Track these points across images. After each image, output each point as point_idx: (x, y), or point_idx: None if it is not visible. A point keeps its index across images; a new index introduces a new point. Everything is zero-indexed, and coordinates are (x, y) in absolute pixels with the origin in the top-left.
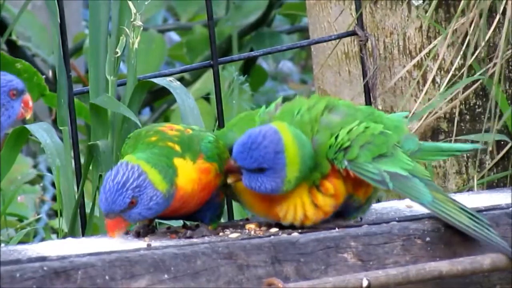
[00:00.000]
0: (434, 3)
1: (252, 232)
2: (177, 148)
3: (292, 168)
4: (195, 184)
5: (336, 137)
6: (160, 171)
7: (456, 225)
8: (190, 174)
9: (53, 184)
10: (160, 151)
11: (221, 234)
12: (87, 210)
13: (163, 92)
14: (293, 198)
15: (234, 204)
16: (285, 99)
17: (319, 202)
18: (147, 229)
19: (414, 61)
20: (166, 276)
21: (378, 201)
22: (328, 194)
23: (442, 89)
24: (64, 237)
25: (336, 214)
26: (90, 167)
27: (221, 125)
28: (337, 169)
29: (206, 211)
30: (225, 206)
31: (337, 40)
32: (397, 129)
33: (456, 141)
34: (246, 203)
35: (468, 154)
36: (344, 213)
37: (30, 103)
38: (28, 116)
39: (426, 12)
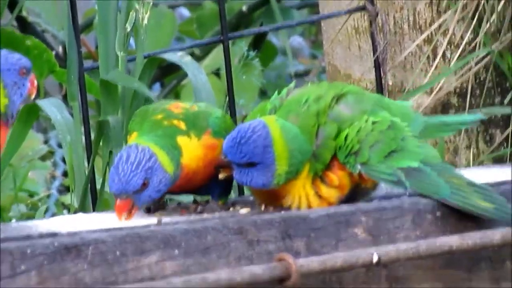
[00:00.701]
0: None
1: (263, 208)
2: (182, 125)
3: (281, 162)
4: (199, 161)
5: (346, 138)
6: (167, 153)
7: (475, 213)
8: (195, 151)
9: (63, 160)
10: (164, 132)
11: (231, 209)
12: (98, 186)
13: (173, 68)
14: (297, 190)
15: None
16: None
17: (323, 194)
18: (158, 205)
19: (424, 35)
20: (176, 251)
21: None
22: (332, 185)
23: (452, 63)
24: (75, 212)
25: (343, 202)
26: (101, 143)
27: (231, 100)
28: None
29: (214, 186)
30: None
31: (347, 15)
32: (404, 115)
33: None
34: (253, 192)
35: (478, 129)
36: (352, 200)
37: (35, 82)
38: (33, 97)
39: None
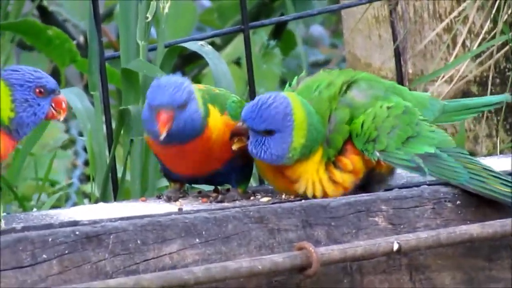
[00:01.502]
0: None
1: (283, 196)
2: (207, 97)
3: (299, 133)
4: (220, 132)
5: (362, 125)
6: (201, 97)
7: (494, 197)
8: (218, 122)
9: (85, 149)
10: (199, 93)
11: (252, 198)
12: (119, 175)
13: (194, 57)
14: (310, 174)
15: None
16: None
17: (337, 179)
18: (179, 194)
19: (444, 24)
20: (197, 240)
21: None
22: (346, 170)
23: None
24: (96, 201)
25: (359, 187)
26: (122, 132)
27: (252, 89)
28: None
29: (233, 172)
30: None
31: (368, 4)
32: (419, 101)
33: None
34: (268, 179)
35: (498, 118)
36: (367, 186)
37: (63, 105)
38: (61, 118)
39: None
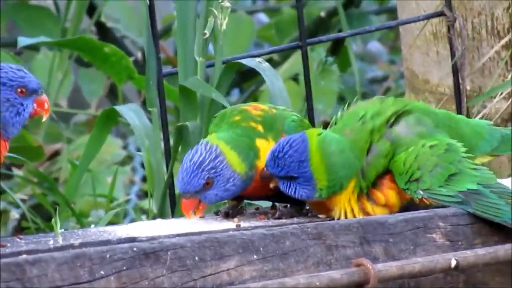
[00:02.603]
0: None
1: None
2: (260, 128)
3: (320, 176)
4: None
5: (404, 163)
6: (239, 153)
7: None
8: None
9: (142, 165)
10: (243, 132)
11: (309, 214)
12: (176, 191)
13: (252, 73)
14: (342, 203)
15: None
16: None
17: (368, 211)
18: (236, 210)
19: (503, 41)
20: (255, 256)
21: None
22: (379, 204)
23: None
24: (154, 218)
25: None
26: (179, 148)
27: (309, 106)
28: (393, 182)
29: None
30: None
31: (425, 21)
32: (476, 134)
33: None
34: (309, 204)
35: None
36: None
37: (46, 105)
38: (44, 118)
39: None
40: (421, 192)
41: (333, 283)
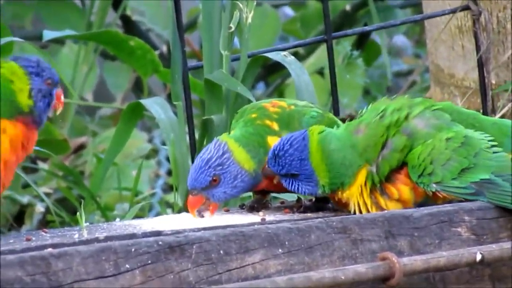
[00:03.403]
0: None
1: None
2: (275, 126)
3: (321, 174)
4: None
5: (418, 157)
6: (248, 150)
7: None
8: None
9: (167, 159)
10: (255, 130)
11: (334, 208)
12: None
13: (277, 67)
14: (356, 198)
15: None
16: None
17: (381, 205)
18: (261, 204)
19: None
20: (280, 250)
21: None
22: (392, 198)
23: None
24: (179, 211)
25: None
26: (205, 142)
27: (335, 99)
28: (409, 178)
29: None
30: None
31: (451, 15)
32: (502, 133)
33: None
34: (331, 197)
35: None
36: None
37: (62, 98)
38: (59, 111)
39: None
40: (434, 186)
41: (358, 277)
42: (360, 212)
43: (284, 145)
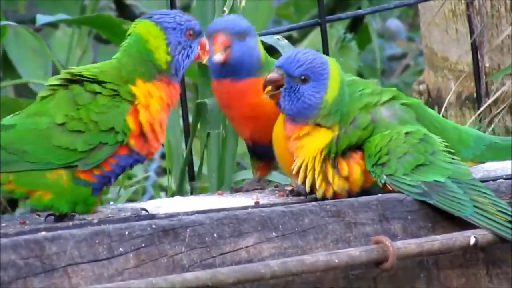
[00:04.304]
0: None
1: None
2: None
3: (334, 85)
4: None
5: (375, 146)
6: (261, 41)
7: (496, 233)
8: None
9: None
10: None
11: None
12: (195, 168)
13: (271, 50)
14: (308, 156)
15: None
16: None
17: (328, 176)
18: (255, 187)
19: None
20: (274, 234)
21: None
22: (341, 174)
23: None
24: (173, 195)
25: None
26: (198, 125)
27: None
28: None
29: None
30: None
31: None
32: (460, 141)
33: None
34: (279, 156)
35: None
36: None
37: (207, 46)
38: (205, 59)
39: None
40: (385, 177)
41: (352, 261)
42: (304, 176)
43: (304, 49)
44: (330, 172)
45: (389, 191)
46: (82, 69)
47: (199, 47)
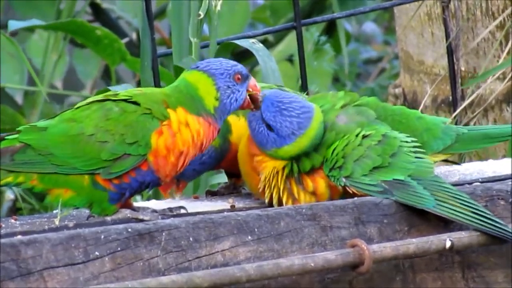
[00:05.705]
0: None
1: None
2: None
3: (300, 143)
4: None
5: (333, 152)
6: None
7: (460, 222)
8: (243, 130)
9: None
10: None
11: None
12: None
13: (247, 54)
14: (270, 173)
15: None
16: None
17: (294, 193)
18: (231, 191)
19: (497, 21)
20: (249, 237)
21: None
22: (307, 190)
23: None
24: (148, 199)
25: None
26: None
27: (304, 86)
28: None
29: None
30: None
31: (420, 2)
32: (428, 132)
33: None
34: (244, 174)
35: None
36: None
37: (258, 86)
38: (260, 95)
39: None
40: (344, 180)
41: (328, 264)
42: (269, 194)
43: (297, 104)
44: (295, 188)
45: (354, 196)
46: (124, 91)
47: (250, 89)
